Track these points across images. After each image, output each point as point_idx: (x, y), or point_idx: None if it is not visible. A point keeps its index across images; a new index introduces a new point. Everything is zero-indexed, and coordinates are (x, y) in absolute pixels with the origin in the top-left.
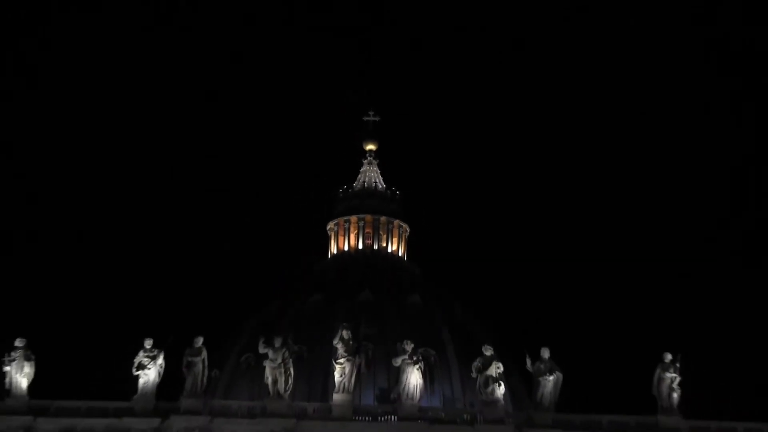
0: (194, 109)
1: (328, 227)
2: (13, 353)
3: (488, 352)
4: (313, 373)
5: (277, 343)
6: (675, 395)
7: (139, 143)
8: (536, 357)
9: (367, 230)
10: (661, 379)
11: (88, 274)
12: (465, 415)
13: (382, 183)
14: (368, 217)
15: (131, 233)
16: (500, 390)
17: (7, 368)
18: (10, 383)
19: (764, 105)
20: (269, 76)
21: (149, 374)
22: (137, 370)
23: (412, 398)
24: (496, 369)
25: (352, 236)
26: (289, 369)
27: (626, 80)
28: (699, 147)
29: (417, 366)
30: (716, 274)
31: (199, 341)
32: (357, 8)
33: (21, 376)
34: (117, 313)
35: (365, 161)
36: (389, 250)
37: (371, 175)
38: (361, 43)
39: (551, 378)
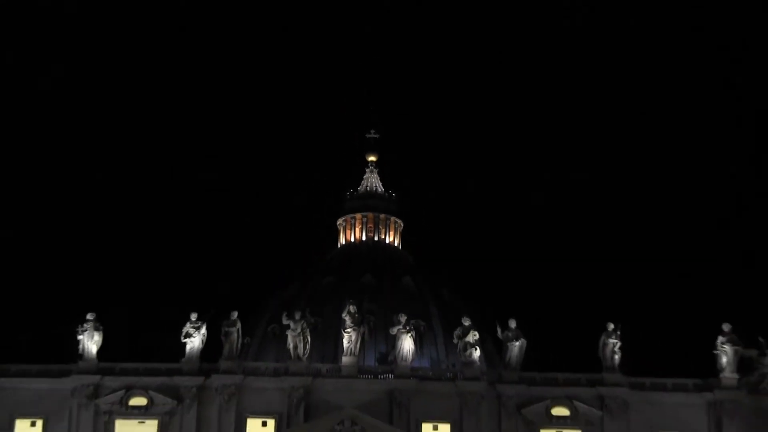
0: (229, 126)
1: (337, 222)
2: (85, 324)
3: (466, 322)
4: (326, 340)
5: (297, 316)
6: (616, 357)
7: (180, 149)
8: (506, 327)
9: (369, 225)
10: (605, 344)
11: (140, 258)
12: (448, 374)
13: (381, 187)
14: (370, 215)
15: (180, 226)
16: (476, 353)
17: (80, 337)
18: (83, 349)
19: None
20: (292, 97)
21: (194, 341)
22: (185, 338)
23: (406, 360)
24: (472, 336)
25: (357, 230)
26: (306, 337)
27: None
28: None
29: (409, 334)
30: (653, 256)
31: (234, 315)
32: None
33: (91, 344)
34: (168, 291)
35: (368, 169)
36: (387, 241)
37: (372, 180)
38: (366, 63)
39: (517, 343)
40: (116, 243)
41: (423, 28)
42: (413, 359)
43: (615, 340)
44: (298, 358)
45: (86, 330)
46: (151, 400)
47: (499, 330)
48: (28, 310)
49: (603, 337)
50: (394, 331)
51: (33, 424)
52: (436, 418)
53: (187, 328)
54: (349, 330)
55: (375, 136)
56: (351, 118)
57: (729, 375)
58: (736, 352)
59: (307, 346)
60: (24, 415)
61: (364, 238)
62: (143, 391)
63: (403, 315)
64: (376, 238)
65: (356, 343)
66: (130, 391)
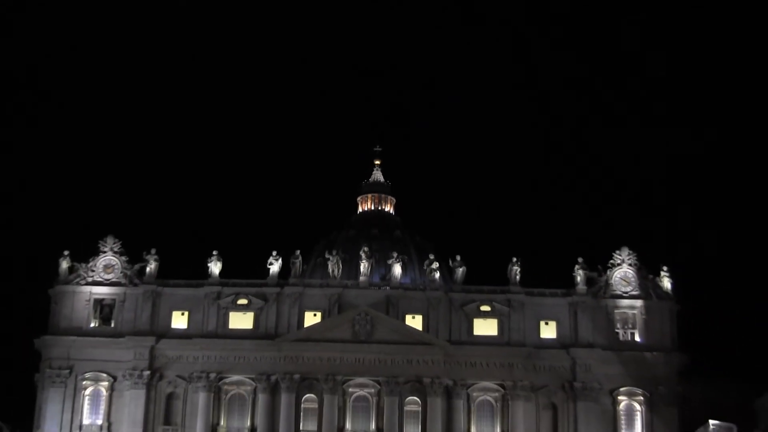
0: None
1: (357, 199)
2: (212, 257)
3: (431, 257)
4: (351, 267)
5: (333, 252)
6: (517, 277)
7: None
8: (454, 260)
9: (375, 201)
10: (511, 269)
11: (245, 214)
12: (420, 287)
13: (382, 178)
14: (375, 195)
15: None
16: (437, 275)
17: (210, 264)
18: (210, 271)
19: None
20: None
21: (274, 267)
22: (269, 265)
23: (396, 279)
24: (435, 265)
25: (368, 204)
26: (339, 265)
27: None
28: None
29: (398, 264)
30: None
31: (297, 252)
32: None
33: (215, 268)
34: (259, 238)
35: (374, 168)
36: (385, 210)
37: (377, 174)
38: (373, 86)
39: (461, 269)
40: (229, 202)
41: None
42: (400, 278)
43: (516, 267)
44: (334, 277)
45: (212, 260)
46: (249, 301)
47: (450, 261)
48: (185, 247)
49: (510, 266)
50: (389, 261)
51: (182, 314)
52: (413, 312)
53: (270, 259)
54: (363, 261)
55: (378, 149)
56: (366, 137)
57: (581, 287)
58: (585, 274)
59: (339, 270)
60: (177, 309)
61: (372, 208)
62: (245, 296)
63: (394, 252)
64: (379, 209)
65: (368, 268)
66: (238, 295)
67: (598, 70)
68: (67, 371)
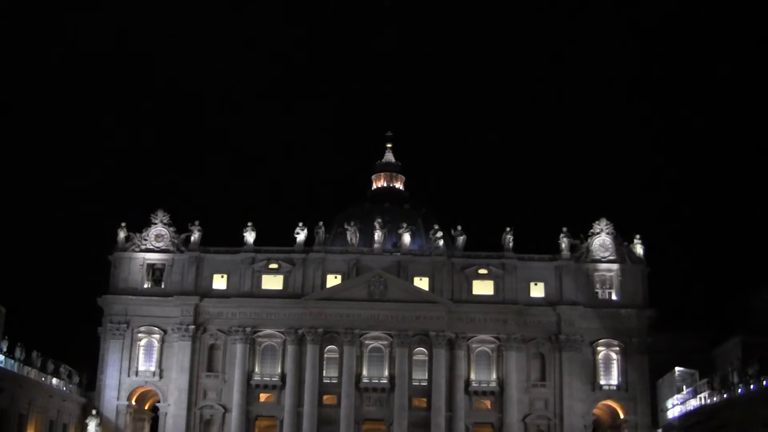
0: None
1: (372, 177)
2: (247, 227)
3: (436, 227)
4: (366, 236)
5: (352, 224)
6: (510, 244)
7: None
8: (456, 229)
9: (387, 178)
10: (505, 237)
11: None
12: (426, 252)
13: (393, 159)
14: (387, 174)
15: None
16: (441, 242)
17: (245, 233)
18: (245, 239)
19: None
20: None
21: (300, 236)
22: (296, 235)
23: (406, 246)
24: (439, 234)
25: (381, 181)
26: (356, 234)
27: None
28: None
29: (408, 233)
30: None
31: (320, 223)
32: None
33: (249, 237)
34: (289, 210)
35: (386, 149)
36: (396, 186)
37: (389, 156)
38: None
39: (461, 237)
40: (262, 179)
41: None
42: (409, 245)
43: (510, 236)
44: (352, 244)
45: (247, 230)
46: (279, 265)
47: (452, 230)
48: (223, 218)
49: (504, 234)
50: (400, 232)
51: (222, 277)
52: (421, 274)
53: (297, 229)
54: (377, 230)
55: (390, 134)
56: (381, 122)
57: (565, 253)
58: (568, 242)
59: (357, 239)
60: (217, 272)
61: (384, 185)
62: (276, 261)
63: (404, 223)
64: (390, 185)
65: (381, 237)
66: (269, 260)
67: (584, 45)
68: (125, 325)
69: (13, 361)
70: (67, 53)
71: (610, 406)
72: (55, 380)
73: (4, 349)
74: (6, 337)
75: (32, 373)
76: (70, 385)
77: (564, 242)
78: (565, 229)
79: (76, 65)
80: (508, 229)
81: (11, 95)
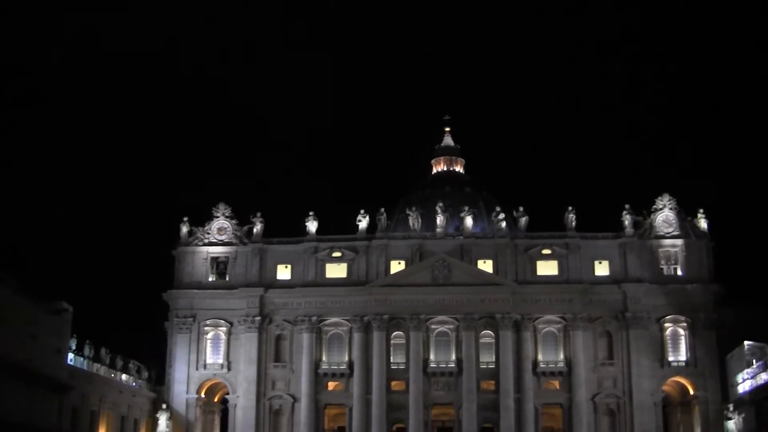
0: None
1: (431, 161)
2: (308, 217)
3: (498, 209)
4: (428, 221)
5: (413, 209)
6: (573, 223)
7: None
8: (518, 210)
9: (446, 162)
10: (567, 216)
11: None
12: (489, 235)
13: (452, 142)
14: (447, 157)
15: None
16: (503, 224)
17: (307, 223)
18: (308, 229)
19: None
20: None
21: (362, 224)
22: (358, 222)
23: (468, 229)
24: (501, 215)
25: (441, 165)
26: (418, 219)
27: None
28: None
29: (469, 216)
30: None
31: (382, 210)
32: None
33: (312, 226)
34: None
35: (445, 133)
36: (456, 170)
37: (447, 140)
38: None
39: (524, 219)
40: (320, 168)
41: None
42: (472, 228)
43: (572, 215)
44: (414, 230)
45: (309, 219)
46: (342, 253)
47: (514, 212)
48: (284, 209)
49: (566, 213)
50: (462, 214)
51: (286, 267)
52: (484, 257)
53: (359, 216)
54: (439, 215)
55: (448, 117)
56: (438, 106)
57: (629, 230)
58: (631, 219)
59: (419, 224)
60: (280, 262)
61: (444, 169)
62: (339, 249)
63: (465, 206)
64: (450, 169)
65: (443, 221)
66: (332, 249)
67: (647, 26)
68: (191, 319)
69: (82, 359)
70: (118, 51)
71: (679, 383)
72: (124, 376)
73: (73, 348)
74: (74, 336)
75: (102, 370)
76: (140, 381)
77: (627, 219)
78: (627, 206)
79: (127, 63)
80: (570, 208)
81: (72, 94)
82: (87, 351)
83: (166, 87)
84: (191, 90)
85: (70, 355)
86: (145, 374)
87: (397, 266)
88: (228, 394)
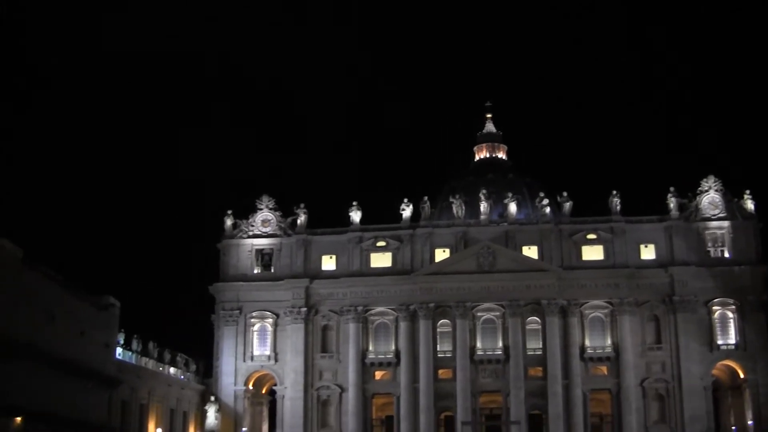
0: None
1: (474, 149)
2: (352, 207)
3: (542, 194)
4: (472, 208)
5: (457, 197)
6: (618, 207)
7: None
8: (562, 195)
9: (489, 149)
10: (611, 201)
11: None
12: (534, 221)
13: (494, 128)
14: (489, 144)
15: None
16: (547, 210)
17: (351, 212)
18: (352, 219)
19: None
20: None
21: (406, 213)
22: (402, 211)
23: (512, 215)
24: (545, 201)
25: (483, 152)
26: (462, 207)
27: None
28: None
29: (513, 202)
30: None
31: (425, 198)
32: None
33: (356, 216)
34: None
35: (487, 120)
36: (498, 156)
37: (489, 126)
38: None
39: (568, 204)
40: (362, 158)
41: None
42: (516, 214)
43: (617, 198)
44: (458, 217)
45: (353, 209)
46: (387, 243)
47: (558, 197)
48: (327, 199)
49: (610, 197)
50: (505, 201)
51: (331, 257)
52: (529, 243)
53: (402, 205)
54: (483, 202)
55: (490, 104)
56: (481, 94)
57: (674, 213)
58: (677, 201)
59: (463, 211)
60: (325, 253)
61: (487, 156)
62: (383, 238)
63: (509, 193)
64: (493, 156)
65: (487, 208)
66: (377, 238)
67: (691, 11)
68: (238, 311)
69: (130, 353)
70: (165, 51)
71: (729, 367)
72: (172, 369)
73: (122, 342)
74: (122, 330)
75: (150, 364)
76: (188, 374)
77: (672, 202)
78: (672, 188)
79: (172, 61)
80: (614, 192)
81: (113, 91)
82: (135, 345)
83: (200, 80)
84: (231, 82)
85: (119, 350)
86: (193, 367)
87: (441, 254)
88: (275, 385)
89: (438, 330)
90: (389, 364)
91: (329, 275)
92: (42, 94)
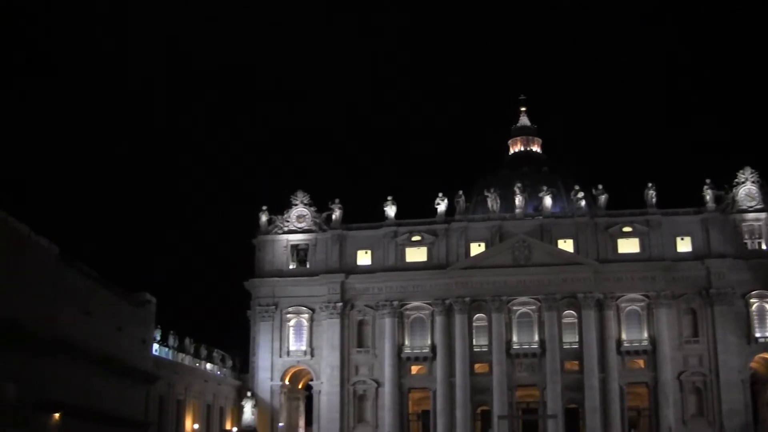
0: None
1: (508, 142)
2: (386, 201)
3: (577, 187)
4: (507, 202)
5: (492, 191)
6: (653, 200)
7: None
8: (597, 188)
9: (523, 143)
10: (647, 194)
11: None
12: (569, 214)
13: (529, 121)
14: (523, 138)
15: None
16: (582, 203)
17: (386, 207)
18: (386, 214)
19: None
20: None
21: (441, 207)
22: (436, 205)
23: (547, 209)
24: (580, 194)
25: (518, 145)
26: (497, 200)
27: None
28: None
29: (548, 196)
30: None
31: (460, 192)
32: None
33: (390, 211)
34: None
35: (521, 113)
36: (533, 150)
37: (523, 119)
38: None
39: (603, 196)
40: (397, 152)
41: None
42: (551, 208)
43: (652, 191)
44: (493, 211)
45: (388, 204)
46: (422, 237)
47: (593, 190)
48: (362, 194)
49: (646, 190)
50: (540, 194)
51: (366, 252)
52: (564, 236)
53: (437, 200)
54: (518, 195)
55: (523, 98)
56: (514, 87)
57: (710, 205)
58: (713, 193)
59: (497, 205)
60: (360, 248)
61: (521, 149)
62: (418, 233)
63: (544, 186)
64: (527, 149)
65: (522, 202)
66: (412, 233)
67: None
68: (273, 307)
69: (167, 349)
70: (205, 51)
71: (766, 359)
72: (209, 365)
73: (158, 338)
74: (159, 327)
75: (186, 360)
76: (224, 369)
77: (708, 194)
78: (708, 180)
79: (211, 60)
80: (650, 184)
81: (154, 89)
82: (171, 341)
83: (236, 78)
84: (265, 80)
85: (155, 346)
86: (229, 363)
87: (477, 248)
88: (312, 380)
89: (474, 324)
90: (425, 358)
91: (365, 270)
92: (74, 92)
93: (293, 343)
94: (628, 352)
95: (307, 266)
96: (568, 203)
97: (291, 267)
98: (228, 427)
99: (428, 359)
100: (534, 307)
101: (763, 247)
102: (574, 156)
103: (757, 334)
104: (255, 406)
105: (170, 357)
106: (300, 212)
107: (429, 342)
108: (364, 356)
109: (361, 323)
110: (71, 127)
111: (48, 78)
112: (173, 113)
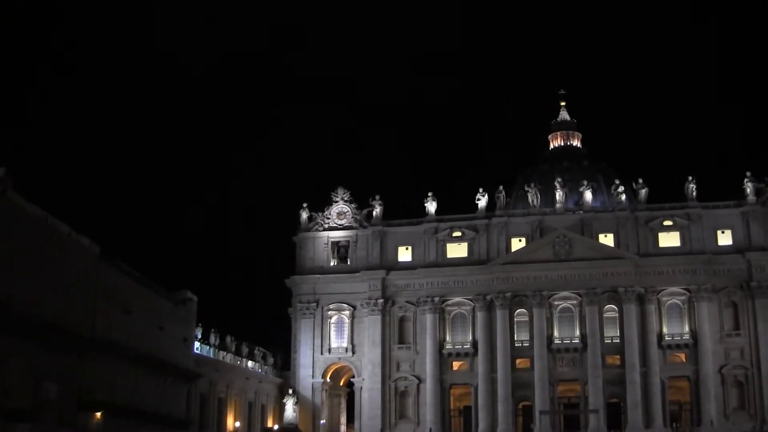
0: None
1: (548, 137)
2: (428, 197)
3: (617, 181)
4: (547, 197)
5: (532, 185)
6: (694, 193)
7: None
8: (637, 182)
9: (563, 137)
10: (688, 187)
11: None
12: (609, 208)
13: (568, 116)
14: (563, 132)
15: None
16: (623, 197)
17: (427, 204)
18: (428, 210)
19: None
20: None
21: (481, 203)
22: (477, 201)
23: (588, 203)
24: (620, 188)
25: (558, 140)
26: (537, 195)
27: None
28: None
29: (589, 190)
30: None
31: (500, 188)
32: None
33: (431, 207)
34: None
35: (561, 108)
36: (573, 144)
37: (563, 114)
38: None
39: (643, 190)
40: (437, 147)
41: None
42: (591, 202)
43: (692, 185)
44: (534, 206)
45: (428, 200)
46: (463, 233)
47: (633, 184)
48: (402, 191)
49: (686, 183)
50: (581, 189)
51: (406, 249)
52: (605, 231)
53: (478, 195)
54: (558, 190)
55: (563, 92)
56: (554, 82)
57: (751, 198)
58: (753, 186)
59: (538, 200)
60: (401, 244)
61: (561, 144)
62: (459, 228)
63: (584, 180)
64: (567, 144)
65: (562, 196)
66: (452, 229)
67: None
68: (314, 304)
69: (208, 347)
70: (249, 51)
71: None
72: (250, 363)
73: (199, 336)
74: (200, 325)
75: (228, 358)
76: (266, 367)
77: (749, 187)
78: (748, 173)
79: (254, 61)
80: (690, 178)
81: (198, 90)
82: (213, 339)
83: (276, 77)
84: (305, 78)
85: (197, 344)
86: (271, 360)
87: (517, 243)
88: (353, 377)
89: (515, 319)
90: (466, 354)
91: (405, 266)
92: (113, 93)
93: (334, 340)
94: (669, 346)
95: (348, 263)
96: (609, 197)
97: (332, 264)
98: (270, 424)
99: (469, 355)
100: (575, 301)
101: None
102: (614, 150)
103: None
104: (296, 403)
105: (211, 355)
106: (340, 209)
107: (470, 338)
108: (405, 352)
109: (402, 319)
110: (114, 127)
111: (88, 77)
112: (216, 111)
